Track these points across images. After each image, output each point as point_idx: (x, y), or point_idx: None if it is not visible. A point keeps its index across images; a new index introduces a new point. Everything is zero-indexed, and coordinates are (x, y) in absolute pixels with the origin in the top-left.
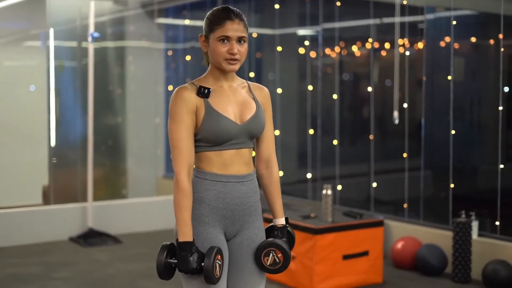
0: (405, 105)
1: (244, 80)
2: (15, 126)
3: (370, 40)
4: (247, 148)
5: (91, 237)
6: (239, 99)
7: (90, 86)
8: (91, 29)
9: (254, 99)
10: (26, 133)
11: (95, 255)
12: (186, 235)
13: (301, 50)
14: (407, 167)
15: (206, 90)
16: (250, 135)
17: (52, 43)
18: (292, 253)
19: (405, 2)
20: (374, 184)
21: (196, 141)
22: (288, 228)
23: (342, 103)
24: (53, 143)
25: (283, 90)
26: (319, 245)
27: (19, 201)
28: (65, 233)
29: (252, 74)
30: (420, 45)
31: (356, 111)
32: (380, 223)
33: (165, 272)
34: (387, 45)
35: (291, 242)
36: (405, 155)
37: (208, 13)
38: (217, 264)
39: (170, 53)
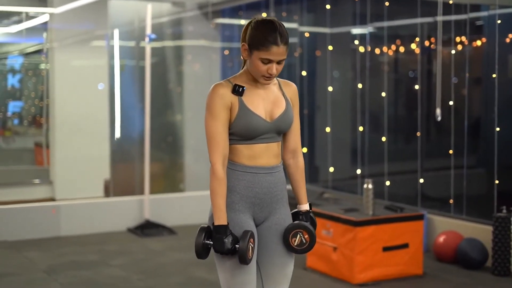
0: (451, 103)
1: (276, 79)
2: (80, 123)
3: (417, 39)
4: (275, 142)
5: (147, 228)
6: (271, 97)
7: (147, 85)
8: (148, 30)
9: (284, 95)
10: (89, 130)
11: (150, 245)
12: (221, 219)
13: (355, 48)
14: (453, 164)
15: (241, 89)
16: (279, 131)
17: (116, 43)
18: (334, 244)
19: (451, 2)
20: (421, 180)
21: (229, 134)
22: (311, 214)
23: (394, 101)
24: (117, 136)
25: (334, 88)
26: (359, 237)
27: (82, 193)
28: (123, 224)
29: (304, 73)
30: (466, 42)
31: (406, 108)
32: (420, 217)
33: (202, 252)
34: (435, 43)
35: (313, 226)
36: (451, 151)
37: (256, 24)
38: (250, 246)
39: (226, 52)
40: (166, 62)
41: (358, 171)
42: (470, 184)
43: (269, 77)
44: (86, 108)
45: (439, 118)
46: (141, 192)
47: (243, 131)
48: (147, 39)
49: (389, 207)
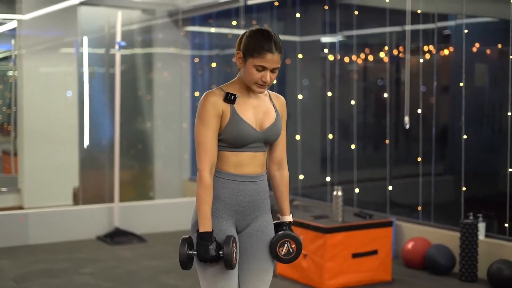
0: (419, 111)
1: (267, 91)
2: (48, 130)
3: (386, 48)
4: (262, 152)
5: (117, 236)
6: (262, 107)
7: (117, 92)
8: (118, 38)
9: (274, 107)
10: (58, 137)
11: (120, 253)
12: (206, 226)
13: (325, 56)
14: (421, 171)
15: (233, 97)
16: (267, 141)
17: (86, 50)
18: (304, 251)
19: (419, 11)
20: (390, 187)
21: (218, 140)
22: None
23: (363, 108)
24: (86, 144)
25: (303, 96)
26: (329, 243)
27: (51, 201)
28: (93, 232)
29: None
30: (434, 51)
31: (375, 116)
32: (389, 224)
33: (187, 262)
34: (402, 52)
35: None
36: (419, 159)
37: (250, 33)
38: (234, 251)
39: (196, 60)
40: (136, 70)
41: (328, 179)
42: (438, 191)
43: (263, 85)
44: (55, 115)
45: (407, 126)
46: (111, 200)
47: (232, 139)
48: (117, 47)
49: (358, 214)
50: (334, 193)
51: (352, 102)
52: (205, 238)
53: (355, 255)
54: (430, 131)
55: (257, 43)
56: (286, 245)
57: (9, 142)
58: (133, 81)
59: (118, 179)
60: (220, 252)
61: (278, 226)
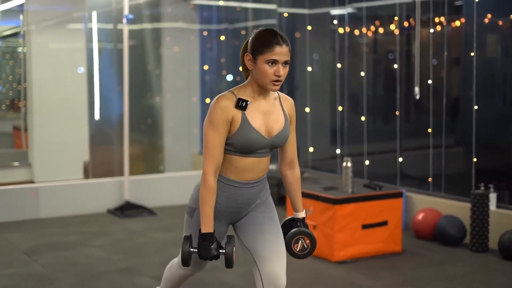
0: (429, 81)
1: (276, 93)
2: (58, 106)
3: (396, 19)
4: (267, 157)
5: (127, 209)
6: (272, 112)
7: (125, 67)
8: (126, 11)
9: (283, 111)
10: (68, 113)
11: (130, 226)
12: (208, 227)
13: (334, 29)
14: (431, 143)
15: (244, 103)
16: (273, 147)
17: (94, 25)
18: (313, 222)
19: None
20: (400, 159)
21: (225, 144)
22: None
23: (373, 80)
24: (96, 118)
25: (313, 69)
26: (338, 214)
27: (61, 176)
28: (103, 205)
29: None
30: (445, 22)
31: (385, 88)
32: (399, 194)
33: (188, 259)
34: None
35: None
36: (429, 130)
37: (256, 34)
38: (233, 251)
39: (205, 33)
40: (145, 45)
41: (338, 151)
42: (449, 163)
43: (277, 80)
44: (64, 91)
45: (417, 96)
46: (121, 173)
47: (241, 145)
48: (124, 20)
49: (368, 185)
50: (344, 164)
51: (362, 74)
52: (206, 238)
53: (365, 226)
54: (440, 103)
55: (264, 39)
56: (300, 241)
57: (19, 118)
58: (142, 56)
59: (127, 153)
60: (221, 251)
61: (292, 222)
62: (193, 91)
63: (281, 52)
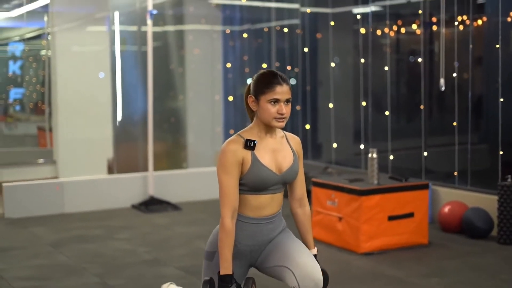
0: (454, 74)
1: (282, 132)
2: (82, 106)
3: (418, 20)
4: (280, 192)
5: (152, 205)
6: (280, 150)
7: (149, 65)
8: (150, 6)
9: (291, 148)
10: (92, 112)
11: (155, 220)
12: (227, 269)
13: (357, 28)
14: (457, 140)
15: (252, 143)
16: (285, 182)
17: (117, 27)
18: (339, 214)
19: None
20: (425, 154)
21: (239, 184)
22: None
23: (397, 77)
24: (119, 120)
25: (336, 65)
26: (364, 205)
27: (86, 173)
28: (127, 201)
29: (306, 49)
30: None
31: (409, 85)
32: (425, 186)
33: None
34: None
35: None
36: (455, 124)
37: (257, 76)
38: None
39: (227, 31)
40: (168, 45)
41: (362, 146)
42: (474, 159)
43: (281, 118)
44: (88, 92)
45: (443, 88)
46: (145, 169)
47: (254, 183)
48: (148, 15)
49: (393, 177)
50: (369, 155)
51: (386, 68)
52: (225, 280)
53: (391, 218)
54: (466, 100)
55: (265, 80)
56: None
57: (43, 120)
58: (165, 57)
59: (152, 149)
60: None
61: None
62: (217, 89)
63: (282, 91)
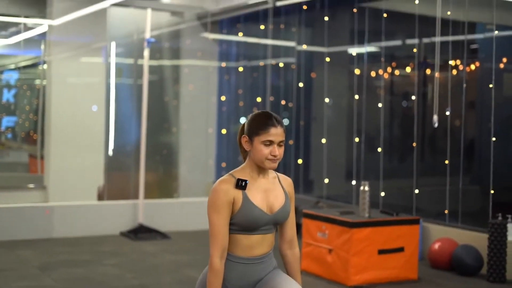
0: (447, 113)
1: (274, 173)
2: (74, 135)
3: (412, 62)
4: (271, 233)
5: (141, 233)
6: (272, 190)
7: (144, 96)
8: (148, 35)
9: (283, 189)
10: (84, 142)
11: (144, 248)
12: None
13: (352, 69)
14: (448, 180)
15: (244, 183)
16: (276, 223)
17: (113, 58)
18: (329, 246)
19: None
20: (416, 191)
21: (230, 224)
22: None
23: (390, 114)
24: (110, 152)
25: (330, 102)
26: (355, 238)
27: (76, 199)
28: (116, 227)
29: (301, 84)
30: (460, 67)
31: (402, 121)
32: (416, 221)
33: None
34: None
35: None
36: (446, 161)
37: (251, 117)
38: None
39: (223, 65)
40: (163, 77)
41: (353, 182)
42: (465, 199)
43: (273, 159)
44: (81, 122)
45: (436, 125)
46: (135, 197)
47: (244, 223)
48: (145, 44)
49: (385, 211)
50: (361, 188)
51: (380, 105)
52: None
53: (381, 251)
54: (458, 142)
55: (260, 121)
56: None
57: (35, 149)
58: (160, 89)
59: (143, 176)
60: None
61: None
62: (210, 122)
63: (276, 133)
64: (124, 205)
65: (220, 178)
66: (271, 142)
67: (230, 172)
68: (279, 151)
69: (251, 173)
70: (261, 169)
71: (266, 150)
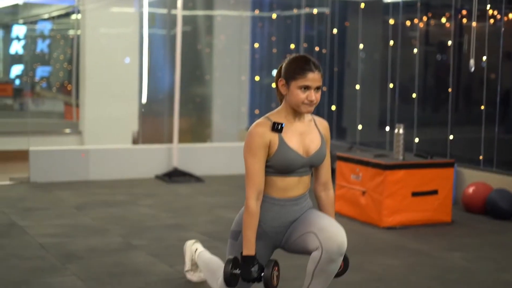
0: (484, 63)
1: (311, 116)
2: (109, 85)
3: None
4: (307, 175)
5: (175, 176)
6: (308, 133)
7: (178, 44)
8: None
9: (319, 132)
10: (118, 91)
11: (178, 190)
12: (250, 250)
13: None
14: (484, 122)
15: (280, 126)
16: (312, 165)
17: (146, 7)
18: (363, 188)
19: None
20: (451, 137)
21: (266, 167)
22: None
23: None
24: (144, 100)
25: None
26: (388, 180)
27: (111, 144)
28: (151, 171)
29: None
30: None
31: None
32: (451, 164)
33: (231, 280)
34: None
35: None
36: (482, 107)
37: (289, 60)
38: (274, 275)
39: (257, 12)
40: (197, 26)
41: (387, 129)
42: (500, 147)
43: (310, 104)
44: (115, 72)
45: (472, 69)
46: (170, 142)
47: (280, 166)
48: None
49: (419, 154)
50: (396, 130)
51: (415, 51)
52: (248, 261)
53: (414, 194)
54: (493, 93)
55: (298, 66)
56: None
57: (69, 98)
58: (193, 40)
59: (177, 122)
60: (263, 274)
61: None
62: (243, 69)
63: (314, 78)
64: (159, 149)
65: (256, 121)
66: (308, 87)
67: (266, 115)
68: (315, 96)
69: (287, 116)
70: (297, 113)
71: (302, 95)
